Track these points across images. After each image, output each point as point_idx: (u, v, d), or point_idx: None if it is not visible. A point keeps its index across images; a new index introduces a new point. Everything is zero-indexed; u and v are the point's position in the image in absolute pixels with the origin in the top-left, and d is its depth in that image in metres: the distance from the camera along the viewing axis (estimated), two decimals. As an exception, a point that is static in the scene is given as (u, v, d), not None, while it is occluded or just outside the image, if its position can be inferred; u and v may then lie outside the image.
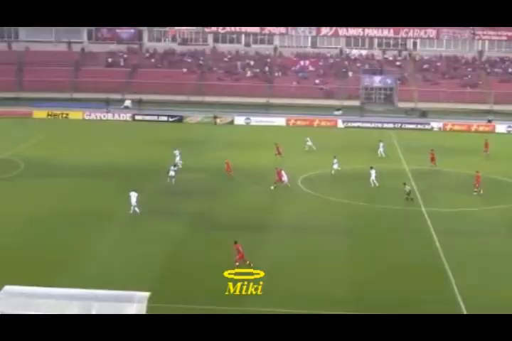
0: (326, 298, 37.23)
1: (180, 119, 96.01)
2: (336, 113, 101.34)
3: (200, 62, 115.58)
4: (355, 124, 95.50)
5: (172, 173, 59.94)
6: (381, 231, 49.10)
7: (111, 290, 32.32)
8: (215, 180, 61.88)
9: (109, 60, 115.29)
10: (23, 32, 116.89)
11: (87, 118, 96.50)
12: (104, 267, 41.21)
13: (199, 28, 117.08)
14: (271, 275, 40.30)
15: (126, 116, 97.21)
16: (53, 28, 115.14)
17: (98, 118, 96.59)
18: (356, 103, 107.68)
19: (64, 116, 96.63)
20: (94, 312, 30.52)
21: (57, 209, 51.89)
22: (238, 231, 47.36)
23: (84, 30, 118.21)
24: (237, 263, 40.84)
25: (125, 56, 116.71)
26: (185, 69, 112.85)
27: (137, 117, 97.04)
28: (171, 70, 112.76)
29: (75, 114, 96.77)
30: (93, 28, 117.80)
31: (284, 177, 59.12)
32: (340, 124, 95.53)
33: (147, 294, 31.43)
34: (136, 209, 50.87)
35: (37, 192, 57.03)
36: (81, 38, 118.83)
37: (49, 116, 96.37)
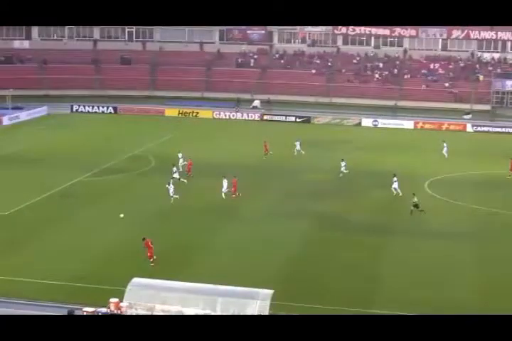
0: (452, 303, 37.11)
1: (308, 120, 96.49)
2: (465, 117, 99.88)
3: (329, 63, 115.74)
4: (485, 129, 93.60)
5: (176, 175, 59.81)
6: (508, 237, 48.57)
7: (235, 287, 32.98)
8: (341, 181, 62.28)
9: (240, 60, 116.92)
10: (158, 32, 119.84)
11: (216, 117, 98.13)
12: (229, 264, 42.06)
13: (328, 30, 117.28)
14: (396, 279, 40.65)
15: (255, 116, 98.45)
16: (186, 29, 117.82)
17: (227, 117, 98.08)
18: (486, 107, 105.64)
19: (194, 114, 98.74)
20: (218, 307, 31.39)
21: (184, 205, 53.37)
22: (362, 233, 47.93)
23: (216, 31, 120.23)
24: (152, 260, 41.29)
25: (255, 57, 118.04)
26: (313, 71, 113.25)
27: (265, 117, 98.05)
28: (300, 71, 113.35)
29: (205, 113, 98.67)
30: (225, 29, 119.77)
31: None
32: (469, 128, 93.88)
33: (271, 292, 31.96)
34: (223, 195, 55.36)
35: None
36: (213, 38, 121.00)
37: (180, 115, 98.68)
